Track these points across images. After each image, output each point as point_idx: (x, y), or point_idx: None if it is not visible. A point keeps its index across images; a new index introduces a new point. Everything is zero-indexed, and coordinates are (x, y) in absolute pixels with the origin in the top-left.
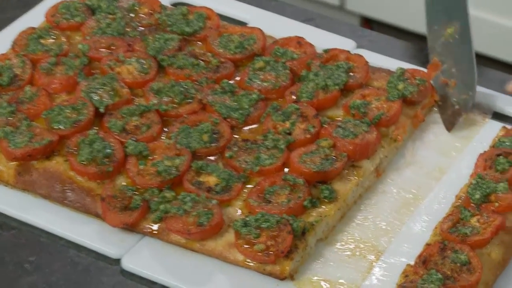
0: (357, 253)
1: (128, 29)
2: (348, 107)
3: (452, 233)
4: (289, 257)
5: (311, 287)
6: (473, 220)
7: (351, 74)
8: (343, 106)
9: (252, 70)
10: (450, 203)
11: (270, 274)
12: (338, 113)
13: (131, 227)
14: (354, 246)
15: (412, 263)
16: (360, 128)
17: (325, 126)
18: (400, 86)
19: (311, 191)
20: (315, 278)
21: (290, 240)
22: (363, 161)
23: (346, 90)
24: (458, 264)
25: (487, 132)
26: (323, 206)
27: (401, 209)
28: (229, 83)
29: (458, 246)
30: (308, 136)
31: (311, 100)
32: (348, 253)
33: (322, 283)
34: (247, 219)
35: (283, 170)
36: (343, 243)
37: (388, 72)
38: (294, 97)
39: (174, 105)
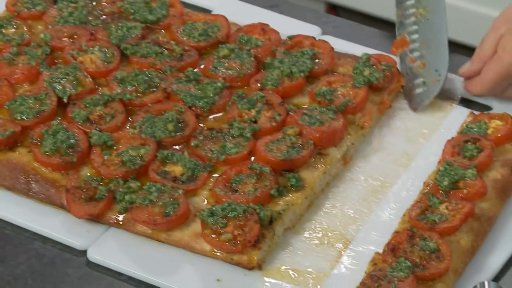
0: (325, 242)
1: (90, 18)
2: (314, 94)
3: (421, 221)
4: (256, 247)
5: (280, 276)
6: (442, 207)
7: (316, 60)
8: (309, 93)
9: (217, 58)
10: (418, 190)
11: (237, 264)
12: (304, 101)
13: (97, 218)
14: (322, 234)
15: (381, 251)
16: (326, 116)
17: (291, 113)
18: (366, 72)
19: (277, 179)
20: (283, 267)
21: (257, 229)
22: (330, 149)
23: (311, 77)
24: (427, 252)
25: (455, 118)
26: (290, 195)
27: (369, 196)
28: (194, 71)
29: (427, 233)
30: (274, 124)
31: (276, 88)
32: (316, 241)
33: (291, 272)
34: (214, 208)
35: (250, 158)
36: (311, 231)
37: (354, 58)
38: (259, 84)
39: (138, 94)
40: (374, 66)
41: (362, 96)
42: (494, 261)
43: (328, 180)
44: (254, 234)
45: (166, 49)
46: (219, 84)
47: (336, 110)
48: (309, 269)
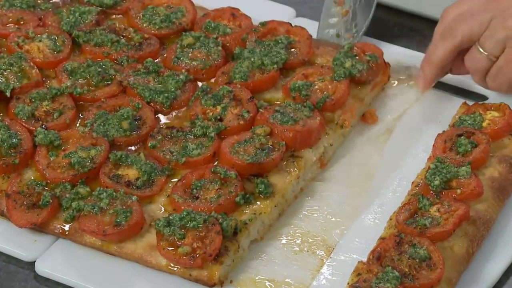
0: (305, 249)
1: (39, 1)
2: (288, 89)
3: (409, 225)
4: (218, 261)
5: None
6: (433, 210)
7: (291, 50)
8: (283, 87)
9: (180, 47)
10: (406, 191)
11: (196, 280)
12: (277, 96)
13: (40, 228)
14: (301, 240)
15: (365, 259)
16: (301, 113)
17: (261, 111)
18: (348, 63)
19: (244, 185)
20: (258, 277)
21: (219, 242)
22: (305, 150)
23: (286, 69)
24: (417, 260)
25: (446, 109)
26: (258, 203)
27: (352, 199)
28: (154, 62)
29: (417, 239)
30: (242, 122)
31: (245, 81)
32: (296, 248)
33: (267, 283)
34: (171, 217)
35: (213, 161)
36: (289, 237)
37: (335, 46)
38: (226, 77)
39: (91, 88)
40: (357, 57)
41: (342, 91)
42: (491, 270)
43: (302, 186)
44: (216, 247)
45: (123, 37)
46: (181, 76)
47: (312, 107)
48: (287, 280)
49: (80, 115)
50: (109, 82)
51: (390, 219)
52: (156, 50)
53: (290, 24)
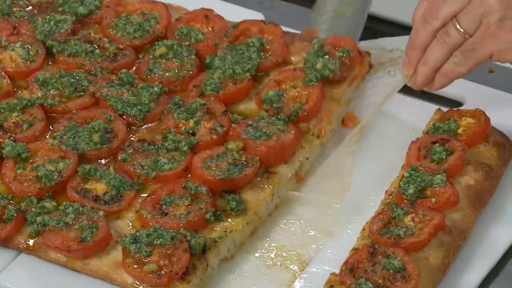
0: (279, 263)
1: (15, 9)
2: (260, 101)
3: (383, 235)
4: (185, 280)
5: None
6: (407, 219)
7: (266, 54)
8: (256, 98)
9: (153, 57)
10: (379, 200)
11: None
12: (251, 107)
13: (4, 243)
14: (275, 254)
15: (337, 271)
16: (274, 127)
17: (234, 126)
18: (319, 64)
19: (216, 201)
20: None
21: (187, 260)
22: (280, 166)
23: (260, 72)
24: (391, 271)
25: (420, 116)
26: (229, 220)
27: (328, 211)
28: (128, 73)
29: (391, 250)
30: (215, 137)
31: (217, 94)
32: (268, 262)
33: None
34: (138, 234)
35: (186, 176)
36: (263, 250)
37: (311, 40)
38: (197, 90)
39: (62, 99)
40: (328, 55)
41: (315, 99)
42: (468, 281)
43: (277, 203)
44: (183, 265)
45: (98, 47)
46: (155, 89)
47: (286, 119)
48: None
49: (50, 127)
50: (82, 93)
51: (363, 229)
52: (131, 61)
53: (264, 21)
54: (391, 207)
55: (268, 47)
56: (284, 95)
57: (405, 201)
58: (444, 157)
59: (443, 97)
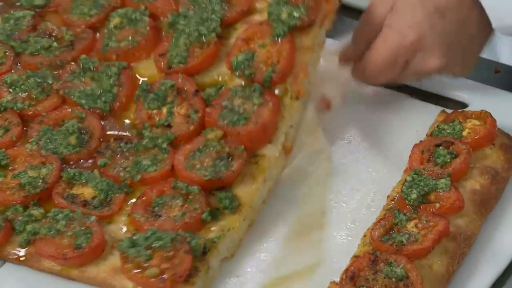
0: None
1: None
2: (230, 66)
3: (385, 242)
4: (189, 282)
5: None
6: (410, 225)
7: (229, 5)
8: (226, 61)
9: (107, 31)
10: (381, 205)
11: None
12: (223, 71)
13: None
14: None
15: (337, 279)
16: (251, 103)
17: (208, 110)
18: (283, 15)
19: (209, 200)
20: None
21: (189, 262)
22: (264, 147)
23: (225, 26)
24: (393, 279)
25: (423, 118)
26: (225, 218)
27: (322, 215)
28: (86, 59)
29: (393, 257)
30: (192, 127)
31: (185, 66)
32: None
33: None
34: (135, 238)
35: (172, 175)
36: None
37: None
38: (165, 61)
39: (32, 102)
40: (291, 1)
41: (286, 55)
42: None
43: (270, 186)
44: (186, 267)
45: (56, 38)
46: (114, 69)
47: (261, 89)
48: None
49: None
50: (49, 93)
51: (364, 235)
52: (90, 43)
53: None
54: (394, 213)
55: None
56: (254, 57)
57: (407, 206)
58: (449, 160)
59: (448, 98)
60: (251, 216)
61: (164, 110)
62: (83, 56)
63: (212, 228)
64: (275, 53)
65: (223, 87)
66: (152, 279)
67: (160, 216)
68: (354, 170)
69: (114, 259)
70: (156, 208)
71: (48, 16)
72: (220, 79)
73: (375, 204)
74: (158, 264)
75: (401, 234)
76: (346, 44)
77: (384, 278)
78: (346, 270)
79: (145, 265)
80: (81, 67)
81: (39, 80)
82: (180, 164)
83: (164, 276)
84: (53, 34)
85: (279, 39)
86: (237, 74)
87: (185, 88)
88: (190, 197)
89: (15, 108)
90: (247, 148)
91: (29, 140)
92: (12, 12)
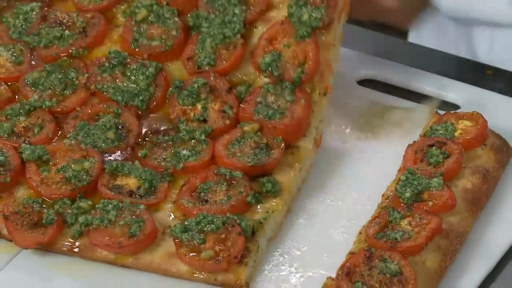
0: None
1: None
2: (257, 65)
3: (380, 239)
4: (242, 262)
5: None
6: (404, 223)
7: (247, 5)
8: (252, 61)
9: (135, 24)
10: (376, 203)
11: (222, 285)
12: (250, 71)
13: (46, 247)
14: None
15: (334, 275)
16: (283, 99)
17: (242, 106)
18: (305, 16)
19: (251, 184)
20: None
21: (242, 243)
22: (300, 140)
23: (246, 25)
24: (388, 275)
25: (416, 119)
26: (268, 201)
27: (319, 213)
28: (117, 52)
29: (387, 253)
30: (228, 122)
31: (215, 68)
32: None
33: None
34: (187, 223)
35: (213, 163)
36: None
37: None
38: (192, 64)
39: (59, 98)
40: (310, 2)
41: (313, 56)
42: (465, 284)
43: (303, 176)
44: (240, 248)
45: (67, 26)
46: (150, 69)
47: (292, 87)
48: None
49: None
50: (75, 87)
51: (360, 233)
52: (103, 30)
53: None
54: (388, 211)
55: None
56: (280, 57)
57: (402, 204)
58: (441, 160)
59: (440, 99)
60: (289, 201)
61: (199, 106)
62: (113, 49)
63: (258, 210)
64: (300, 52)
65: (252, 85)
66: (208, 261)
67: (206, 201)
68: (350, 169)
69: (167, 245)
70: (202, 193)
71: (55, 5)
72: (245, 78)
73: (370, 203)
74: (212, 246)
75: (395, 231)
76: None
77: (379, 274)
78: (342, 266)
79: (199, 248)
80: (108, 60)
81: (59, 76)
82: (221, 152)
83: (219, 257)
84: (64, 21)
85: (303, 40)
86: (266, 74)
87: (217, 86)
88: (234, 182)
89: (43, 106)
90: (283, 139)
91: (67, 135)
92: (19, 5)
